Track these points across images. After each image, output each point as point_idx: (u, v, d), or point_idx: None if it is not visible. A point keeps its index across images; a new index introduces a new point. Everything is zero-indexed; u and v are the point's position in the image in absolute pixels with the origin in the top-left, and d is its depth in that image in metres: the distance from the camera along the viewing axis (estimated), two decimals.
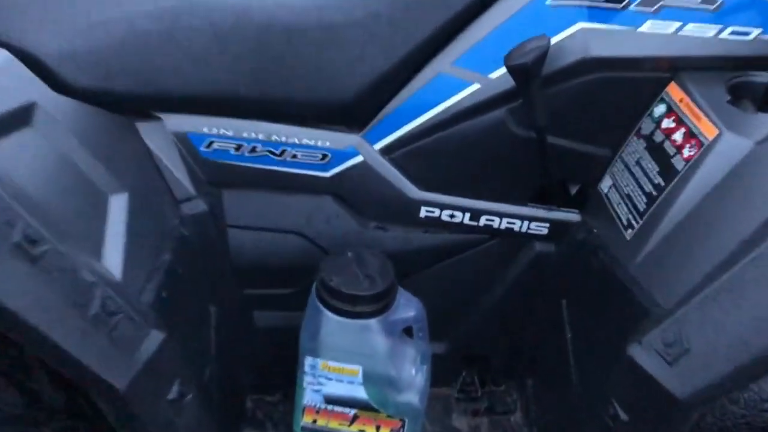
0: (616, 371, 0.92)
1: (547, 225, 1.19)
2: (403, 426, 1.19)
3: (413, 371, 1.17)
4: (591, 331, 1.08)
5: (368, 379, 1.13)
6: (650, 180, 1.03)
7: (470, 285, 1.26)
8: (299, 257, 1.20)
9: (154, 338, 0.86)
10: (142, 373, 0.82)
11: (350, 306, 1.07)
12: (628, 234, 1.04)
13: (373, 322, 1.09)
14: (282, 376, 1.23)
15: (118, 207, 0.97)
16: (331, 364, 1.13)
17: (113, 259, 0.92)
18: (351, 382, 1.14)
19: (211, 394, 1.13)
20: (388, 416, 1.17)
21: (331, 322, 1.09)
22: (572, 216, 1.19)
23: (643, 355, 0.86)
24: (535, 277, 1.23)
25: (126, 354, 0.82)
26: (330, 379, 1.14)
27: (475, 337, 1.31)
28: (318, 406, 1.17)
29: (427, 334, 1.16)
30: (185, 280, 1.07)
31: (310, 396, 1.17)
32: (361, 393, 1.15)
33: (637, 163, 1.07)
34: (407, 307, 1.13)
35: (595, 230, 1.13)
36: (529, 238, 1.21)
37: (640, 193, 1.04)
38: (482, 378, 1.35)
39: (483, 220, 1.19)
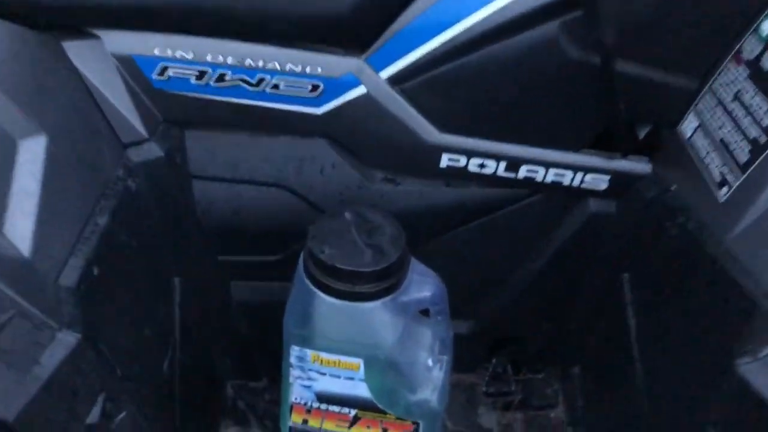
0: (717, 391, 0.66)
1: (607, 178, 0.92)
2: (416, 430, 0.95)
3: (430, 363, 0.92)
4: (666, 321, 0.82)
5: (372, 375, 0.89)
6: (756, 121, 0.75)
7: (504, 253, 1.00)
8: (285, 217, 0.94)
9: (62, 343, 0.61)
10: (41, 394, 0.58)
11: (348, 285, 0.82)
12: (722, 194, 0.77)
13: (377, 305, 0.83)
14: (268, 357, 0.99)
15: (30, 155, 0.72)
16: (324, 356, 0.88)
17: (20, 228, 0.67)
18: (350, 378, 0.89)
19: (173, 388, 0.89)
20: (398, 418, 0.93)
21: (323, 306, 0.83)
22: (640, 166, 0.92)
23: (762, 375, 0.60)
24: (587, 244, 0.96)
25: (16, 371, 0.57)
26: (323, 374, 0.90)
27: (508, 315, 1.05)
28: (309, 404, 0.93)
29: (448, 315, 0.90)
30: (132, 248, 0.82)
31: (299, 392, 0.93)
32: (363, 391, 0.91)
33: (737, 97, 0.79)
34: (422, 285, 0.87)
35: (671, 187, 0.86)
36: (582, 194, 0.94)
37: (741, 138, 0.76)
38: (516, 364, 1.09)
39: (523, 171, 0.91)
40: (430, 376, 0.93)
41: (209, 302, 1.00)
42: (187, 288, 0.95)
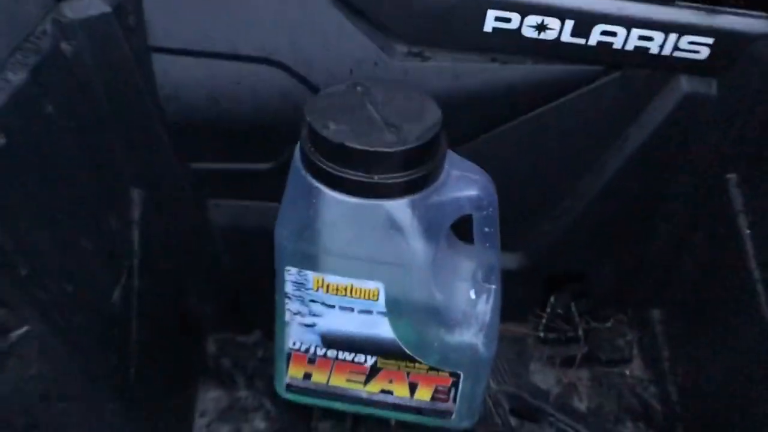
0: None
1: (709, 42, 0.68)
2: (455, 385, 0.71)
3: (473, 293, 0.69)
4: None
5: (396, 307, 0.65)
6: None
7: (567, 155, 0.76)
8: (276, 105, 0.71)
9: None
10: None
11: (362, 174, 0.58)
12: None
13: (403, 204, 0.60)
14: (260, 302, 0.76)
15: None
16: (331, 280, 0.65)
17: None
18: (366, 312, 0.66)
19: (127, 327, 0.66)
20: (431, 369, 0.70)
21: (328, 205, 0.60)
22: (757, 25, 0.68)
23: None
24: (678, 138, 0.73)
25: None
26: (330, 307, 0.66)
27: (569, 244, 0.81)
28: (312, 351, 0.70)
29: (498, 229, 0.66)
30: (66, 130, 0.59)
31: (298, 334, 0.70)
32: (384, 329, 0.67)
33: None
34: (463, 183, 0.63)
35: None
36: (673, 67, 0.70)
37: None
38: (579, 309, 0.86)
39: (596, 35, 0.68)
40: (474, 311, 0.69)
41: (180, 225, 0.77)
42: (149, 203, 0.73)
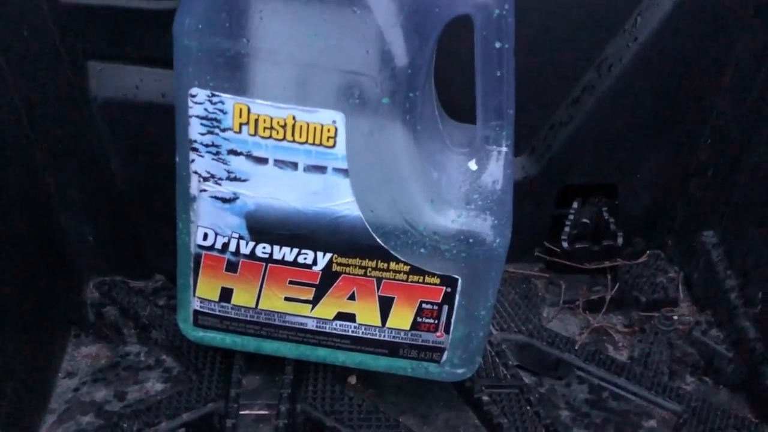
0: None
1: None
2: (448, 299, 0.47)
3: (473, 164, 0.47)
4: None
5: (363, 157, 0.42)
6: None
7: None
8: None
9: None
10: None
11: None
12: None
13: None
14: (164, 235, 0.51)
15: None
16: (261, 110, 0.41)
17: None
18: (317, 169, 0.43)
19: None
20: (414, 272, 0.46)
21: None
22: None
23: None
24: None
25: None
26: (261, 162, 0.43)
27: (590, 146, 0.60)
28: (233, 247, 0.46)
29: (513, 58, 0.44)
30: None
31: (210, 218, 0.46)
32: (343, 201, 0.44)
33: None
34: None
35: None
36: None
37: None
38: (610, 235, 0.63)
39: None
40: (477, 184, 0.46)
41: (47, 94, 0.53)
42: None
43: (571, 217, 0.59)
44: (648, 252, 0.64)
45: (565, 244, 0.59)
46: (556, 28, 0.58)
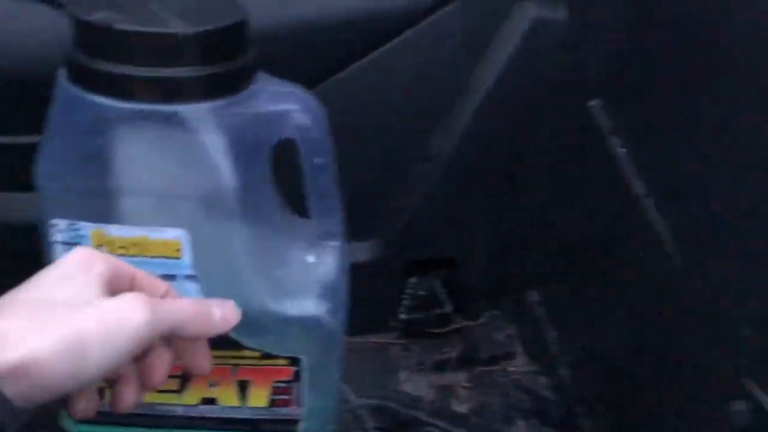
0: None
1: None
2: (297, 376, 0.55)
3: (311, 257, 0.55)
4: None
5: (206, 264, 0.50)
6: None
7: (411, 105, 0.66)
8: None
9: None
10: None
11: (148, 66, 0.45)
12: None
13: (202, 109, 0.46)
14: None
15: None
16: (116, 232, 0.49)
17: None
18: (168, 278, 0.50)
19: None
20: (265, 357, 0.54)
21: (104, 117, 0.45)
22: None
23: None
24: (530, 69, 0.64)
25: None
26: None
27: (429, 224, 0.70)
28: None
29: (332, 165, 0.53)
30: None
31: None
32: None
33: None
34: (282, 97, 0.51)
35: None
36: None
37: None
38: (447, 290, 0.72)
39: None
40: (315, 275, 0.55)
41: None
42: None
43: (409, 291, 0.68)
44: (487, 313, 0.73)
45: (403, 316, 0.68)
46: (385, 122, 0.68)
